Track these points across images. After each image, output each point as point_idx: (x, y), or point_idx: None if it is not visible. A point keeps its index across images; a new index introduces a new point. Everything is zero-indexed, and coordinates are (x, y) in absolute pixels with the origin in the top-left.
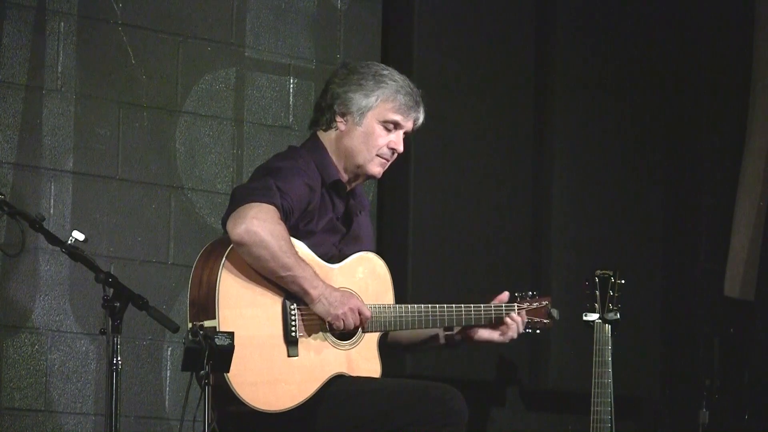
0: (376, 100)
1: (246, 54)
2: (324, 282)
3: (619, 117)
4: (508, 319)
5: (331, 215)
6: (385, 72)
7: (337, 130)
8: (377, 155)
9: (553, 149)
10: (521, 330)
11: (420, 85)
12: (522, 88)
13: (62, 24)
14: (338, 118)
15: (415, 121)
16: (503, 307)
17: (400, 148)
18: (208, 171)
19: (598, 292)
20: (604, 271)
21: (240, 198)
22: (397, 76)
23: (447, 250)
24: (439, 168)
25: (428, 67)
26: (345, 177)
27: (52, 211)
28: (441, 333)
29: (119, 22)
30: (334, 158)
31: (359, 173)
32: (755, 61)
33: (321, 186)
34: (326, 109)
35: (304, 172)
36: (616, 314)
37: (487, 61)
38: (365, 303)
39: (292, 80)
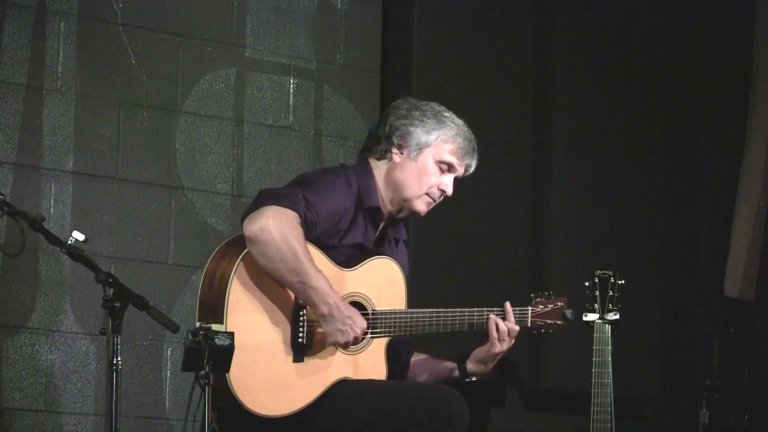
0: (436, 139)
1: (246, 54)
2: (336, 300)
3: (619, 117)
4: (493, 332)
5: (360, 240)
6: (447, 114)
7: (391, 161)
8: (426, 193)
9: (553, 149)
10: (512, 337)
11: (420, 85)
12: (522, 88)
13: (62, 24)
14: (395, 150)
15: (467, 167)
16: (515, 311)
17: (449, 192)
18: (208, 171)
19: (598, 292)
20: (604, 271)
21: (264, 198)
22: (458, 120)
23: (447, 250)
24: None
25: (428, 67)
26: (388, 207)
27: (52, 211)
28: (456, 367)
29: (119, 22)
30: (381, 187)
31: (404, 207)
32: (755, 61)
33: (357, 208)
34: (383, 139)
35: (342, 192)
36: (616, 314)
37: (487, 61)
38: (376, 307)
39: (292, 80)
